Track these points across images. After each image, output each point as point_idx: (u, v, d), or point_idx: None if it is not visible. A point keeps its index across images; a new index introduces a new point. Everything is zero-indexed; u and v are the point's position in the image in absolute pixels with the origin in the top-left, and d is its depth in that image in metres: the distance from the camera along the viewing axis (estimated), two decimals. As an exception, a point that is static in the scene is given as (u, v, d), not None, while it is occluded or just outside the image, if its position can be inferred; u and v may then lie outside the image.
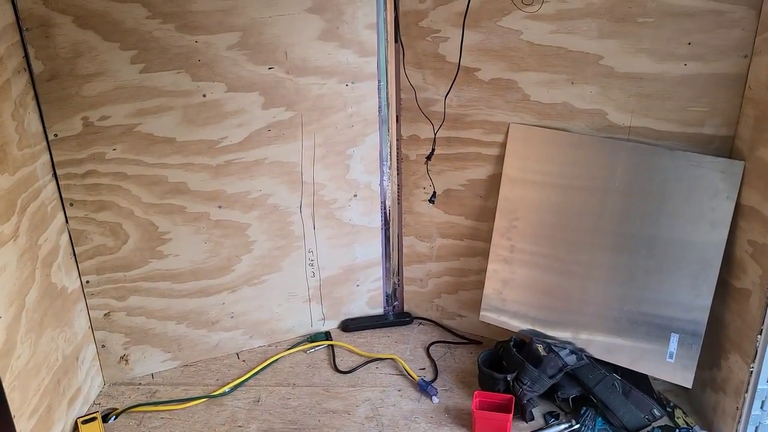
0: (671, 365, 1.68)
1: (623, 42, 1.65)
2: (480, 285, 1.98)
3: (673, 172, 1.64)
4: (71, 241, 1.79)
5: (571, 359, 1.78)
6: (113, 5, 1.62)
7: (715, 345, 1.67)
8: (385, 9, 1.89)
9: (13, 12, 1.53)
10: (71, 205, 1.75)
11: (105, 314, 1.90)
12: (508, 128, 1.86)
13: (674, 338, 1.67)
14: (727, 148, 1.62)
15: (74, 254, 1.81)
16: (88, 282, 1.84)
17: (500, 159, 1.89)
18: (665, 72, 1.62)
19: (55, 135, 1.67)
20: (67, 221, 1.77)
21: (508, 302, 1.92)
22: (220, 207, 1.92)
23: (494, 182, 1.92)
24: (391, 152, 2.07)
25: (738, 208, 1.57)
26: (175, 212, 1.87)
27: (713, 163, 1.59)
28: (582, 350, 1.80)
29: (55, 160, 1.70)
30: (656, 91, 1.65)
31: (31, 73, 1.60)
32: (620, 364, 1.76)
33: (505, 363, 1.85)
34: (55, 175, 1.71)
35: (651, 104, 1.67)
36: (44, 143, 1.67)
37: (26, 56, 1.59)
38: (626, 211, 1.71)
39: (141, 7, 1.65)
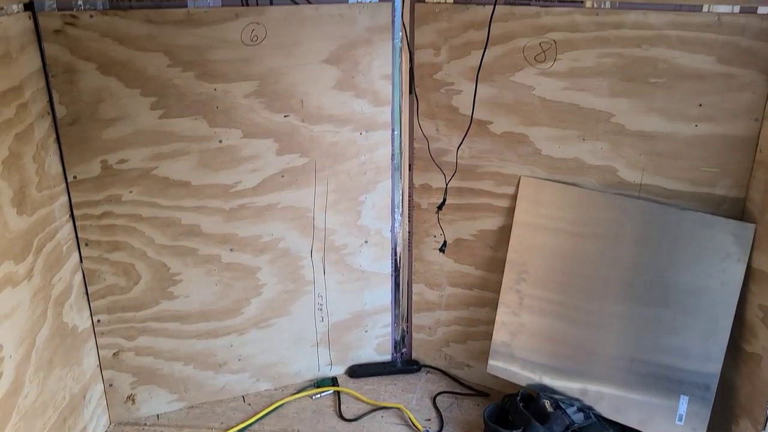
0: (680, 428, 1.65)
1: (634, 101, 1.66)
2: (489, 336, 1.97)
3: (683, 232, 1.63)
4: (84, 280, 1.82)
5: (578, 417, 1.75)
6: (136, 54, 1.67)
7: (725, 409, 1.64)
8: (401, 61, 1.93)
9: (40, 59, 1.59)
10: (86, 245, 1.79)
11: (114, 353, 1.91)
12: (519, 181, 1.87)
13: (684, 400, 1.64)
14: (738, 209, 1.61)
15: (87, 293, 1.83)
16: (98, 321, 1.87)
17: (511, 211, 1.90)
18: (676, 132, 1.63)
19: (74, 177, 1.72)
20: (81, 261, 1.80)
21: (517, 353, 1.90)
22: (231, 250, 1.94)
23: (505, 233, 1.93)
24: (402, 200, 2.09)
25: (749, 271, 1.55)
26: (188, 254, 1.90)
27: (724, 225, 1.58)
28: (590, 408, 1.77)
29: (73, 201, 1.74)
30: (667, 150, 1.66)
31: (54, 116, 1.65)
32: (629, 425, 1.73)
33: (511, 418, 1.82)
34: (72, 215, 1.75)
35: (662, 163, 1.67)
36: (63, 185, 1.71)
37: (50, 101, 1.64)
38: (637, 267, 1.70)
39: (163, 55, 1.70)
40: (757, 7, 1.48)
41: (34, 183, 1.57)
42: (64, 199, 1.72)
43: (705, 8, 1.53)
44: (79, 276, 1.79)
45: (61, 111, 1.65)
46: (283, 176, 1.93)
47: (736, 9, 1.50)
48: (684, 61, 1.58)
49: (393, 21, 1.88)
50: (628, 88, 1.66)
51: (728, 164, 1.60)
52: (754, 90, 1.52)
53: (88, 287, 1.83)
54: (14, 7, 1.50)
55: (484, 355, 1.99)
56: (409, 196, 2.09)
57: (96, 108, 1.68)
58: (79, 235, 1.77)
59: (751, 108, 1.54)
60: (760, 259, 1.52)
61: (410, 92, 1.97)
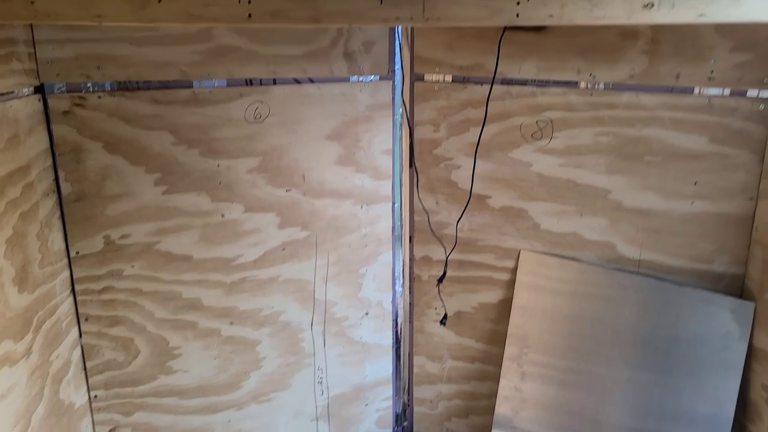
0: None
1: (630, 178, 1.69)
2: (491, 410, 1.94)
3: (683, 309, 1.63)
4: (83, 356, 1.80)
5: (583, 498, 1.71)
6: (142, 132, 1.72)
7: (734, 492, 1.60)
8: (401, 136, 1.98)
9: (48, 139, 1.63)
10: (86, 320, 1.78)
11: (110, 430, 1.88)
12: (519, 255, 1.88)
13: (691, 482, 1.61)
14: (737, 286, 1.62)
15: (85, 369, 1.82)
16: (96, 397, 1.85)
17: (511, 284, 1.91)
18: (673, 209, 1.65)
19: (77, 252, 1.73)
20: (80, 336, 1.79)
21: (519, 427, 1.87)
22: (231, 323, 1.94)
23: (505, 306, 1.93)
24: (403, 272, 2.10)
25: (751, 350, 1.54)
26: (188, 328, 1.89)
27: (723, 302, 1.58)
28: (595, 488, 1.74)
29: (74, 276, 1.74)
30: (664, 227, 1.67)
31: (59, 194, 1.68)
32: (635, 507, 1.69)
33: (514, 498, 1.78)
34: (72, 290, 1.75)
35: (660, 239, 1.69)
36: (65, 260, 1.72)
37: (56, 179, 1.67)
38: (638, 342, 1.69)
39: (169, 134, 1.74)
40: (746, 90, 1.53)
41: (37, 260, 1.58)
42: (66, 274, 1.73)
43: (696, 91, 1.58)
44: (77, 352, 1.78)
45: (66, 188, 1.68)
46: (284, 249, 1.94)
47: (726, 92, 1.54)
48: (677, 140, 1.61)
49: (393, 98, 1.94)
50: (624, 166, 1.69)
51: (726, 241, 1.61)
52: (748, 170, 1.55)
53: (86, 363, 1.81)
54: (25, 90, 1.55)
55: (487, 429, 1.95)
56: (409, 268, 2.10)
57: (101, 185, 1.71)
58: (79, 310, 1.77)
59: (745, 187, 1.56)
60: (761, 337, 1.51)
61: (410, 166, 2.00)
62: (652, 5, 1.23)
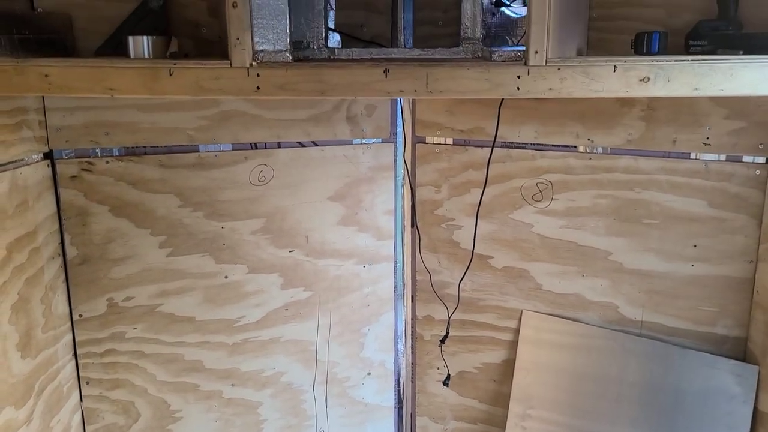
0: None
1: (630, 240, 1.71)
2: (495, 474, 1.91)
3: (687, 372, 1.63)
4: (83, 420, 1.78)
5: None
6: (148, 196, 1.74)
7: None
8: (403, 197, 2.00)
9: (55, 204, 1.65)
10: (87, 383, 1.77)
11: (108, 496, 1.85)
12: (521, 315, 1.88)
13: None
14: (740, 350, 1.62)
15: (84, 433, 1.80)
16: (94, 462, 1.82)
17: (514, 344, 1.90)
18: (673, 271, 1.67)
19: (80, 315, 1.73)
20: (81, 400, 1.78)
21: (524, 496, 1.84)
22: (233, 385, 1.92)
23: (509, 367, 1.92)
24: (405, 331, 2.10)
25: (756, 414, 1.54)
26: (189, 390, 1.88)
27: (727, 366, 1.58)
28: None
29: (76, 339, 1.74)
30: (666, 289, 1.69)
31: (64, 257, 1.69)
32: None
33: None
34: (75, 354, 1.75)
35: (661, 301, 1.70)
36: (68, 324, 1.72)
37: (62, 242, 1.68)
38: (643, 404, 1.68)
39: (174, 197, 1.76)
40: (742, 156, 1.56)
41: (40, 325, 1.58)
42: (68, 338, 1.73)
43: (693, 155, 1.61)
44: (78, 416, 1.77)
45: (71, 252, 1.69)
46: (286, 310, 1.94)
47: (723, 157, 1.58)
48: (676, 204, 1.64)
49: (395, 160, 1.97)
50: (623, 228, 1.71)
51: (727, 304, 1.62)
52: (746, 233, 1.57)
53: (86, 427, 1.79)
54: (35, 156, 1.58)
55: (491, 494, 1.92)
56: (412, 328, 2.10)
57: (106, 248, 1.72)
58: (80, 374, 1.76)
59: (745, 250, 1.58)
60: (766, 401, 1.51)
61: (412, 227, 2.02)
62: (648, 79, 1.27)
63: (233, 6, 1.31)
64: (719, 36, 1.42)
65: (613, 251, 1.74)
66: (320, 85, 1.34)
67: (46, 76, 1.33)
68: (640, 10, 1.61)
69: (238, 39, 1.33)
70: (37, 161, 1.58)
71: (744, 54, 1.31)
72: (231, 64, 1.34)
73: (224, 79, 1.34)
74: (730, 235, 1.59)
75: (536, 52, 1.29)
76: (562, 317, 1.83)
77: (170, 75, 1.34)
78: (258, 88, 1.35)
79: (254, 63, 1.36)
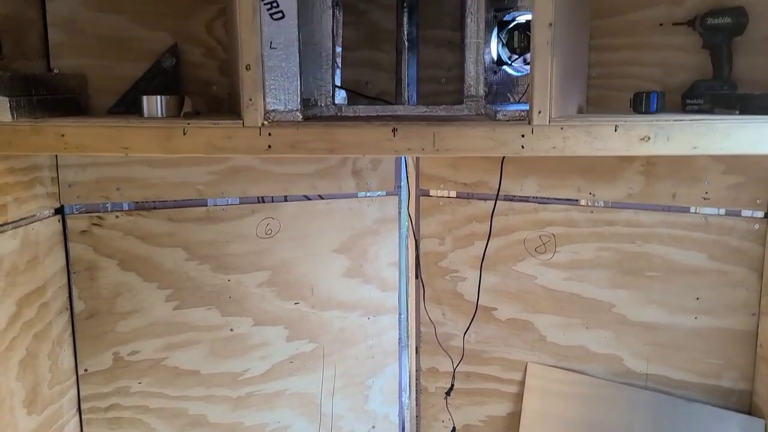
0: None
1: (634, 292, 1.73)
2: None
3: (693, 424, 1.63)
4: (85, 477, 1.76)
5: None
6: (156, 249, 1.76)
7: None
8: (407, 249, 2.02)
9: (65, 258, 1.66)
10: (90, 439, 1.76)
11: None
12: (526, 368, 1.89)
13: None
14: (746, 403, 1.62)
15: (86, 490, 1.77)
16: None
17: (519, 396, 1.90)
18: (677, 323, 1.68)
19: (85, 370, 1.73)
20: (84, 456, 1.76)
21: None
22: (237, 440, 1.91)
23: (514, 420, 1.91)
24: (410, 383, 2.09)
25: (765, 469, 1.53)
26: (192, 445, 1.86)
27: (733, 419, 1.59)
28: None
29: (81, 394, 1.73)
30: (670, 341, 1.70)
31: (71, 311, 1.70)
32: None
33: None
34: (79, 409, 1.73)
35: (666, 353, 1.70)
36: (74, 378, 1.71)
37: (70, 296, 1.69)
38: (651, 461, 1.68)
39: (182, 250, 1.78)
40: (741, 210, 1.60)
41: (47, 380, 1.58)
42: (73, 392, 1.72)
43: (692, 209, 1.65)
44: (80, 473, 1.75)
45: (79, 306, 1.70)
46: (291, 362, 1.94)
47: (722, 211, 1.61)
48: (677, 257, 1.66)
49: (399, 213, 2.00)
50: (626, 281, 1.73)
51: (732, 357, 1.63)
52: (748, 286, 1.59)
53: (88, 484, 1.77)
54: (46, 212, 1.60)
55: None
56: (416, 380, 2.09)
57: (113, 302, 1.73)
58: (84, 429, 1.74)
59: (747, 303, 1.60)
60: (776, 456, 1.50)
61: (416, 278, 2.04)
62: (649, 138, 1.31)
63: (247, 68, 1.36)
64: (715, 95, 1.47)
65: (616, 303, 1.76)
66: (330, 144, 1.37)
67: (63, 135, 1.37)
68: (637, 69, 1.66)
69: (250, 100, 1.37)
70: (49, 216, 1.61)
71: (740, 113, 1.36)
72: (243, 124, 1.38)
73: (237, 138, 1.38)
74: (732, 288, 1.61)
75: (539, 112, 1.33)
76: (567, 369, 1.83)
77: (184, 134, 1.37)
78: (269, 146, 1.38)
79: (266, 122, 1.39)
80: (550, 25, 1.30)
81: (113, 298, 1.73)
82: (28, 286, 1.51)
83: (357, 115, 1.66)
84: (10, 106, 1.30)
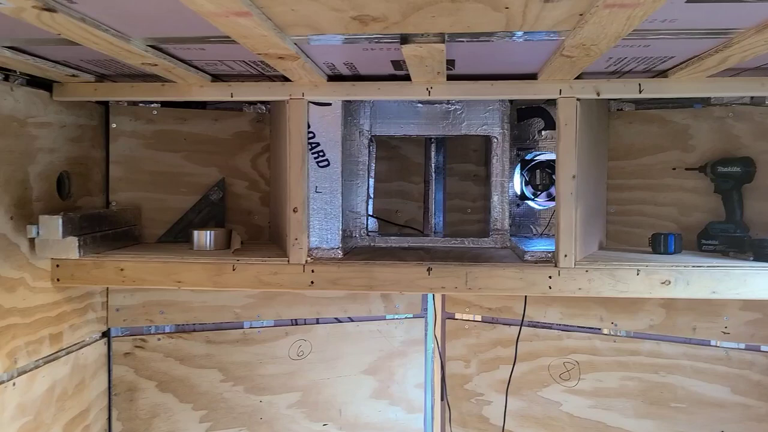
0: None
1: (659, 424, 1.75)
2: None
3: None
4: None
5: None
6: (194, 371, 1.82)
7: None
8: (433, 371, 2.07)
9: (107, 380, 1.73)
10: None
11: None
12: (553, 496, 1.88)
13: None
14: None
15: None
16: None
17: None
18: (704, 456, 1.70)
19: (118, 492, 1.75)
20: None
21: None
22: None
23: None
24: None
25: None
26: None
27: None
28: None
29: None
30: (698, 475, 1.71)
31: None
32: None
33: None
34: None
35: (694, 486, 1.71)
36: (106, 501, 1.74)
37: (109, 417, 1.74)
38: None
39: (218, 372, 1.85)
40: (760, 345, 1.65)
41: (83, 504, 1.60)
42: None
43: (713, 342, 1.70)
44: None
45: (117, 427, 1.75)
46: (318, 486, 1.95)
47: (742, 346, 1.67)
48: (701, 389, 1.71)
49: (426, 335, 2.06)
50: (651, 411, 1.76)
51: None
52: (773, 423, 1.63)
53: None
54: (95, 335, 1.69)
55: None
56: (441, 506, 2.08)
57: (150, 423, 1.78)
58: None
59: (772, 438, 1.62)
60: None
61: (442, 400, 2.07)
62: (669, 283, 1.40)
63: (294, 211, 1.48)
64: (729, 238, 1.57)
65: (642, 435, 1.78)
66: (370, 281, 1.47)
67: (122, 269, 1.48)
68: (653, 208, 1.77)
69: (296, 239, 1.48)
70: (96, 340, 1.69)
71: (754, 258, 1.45)
72: (288, 261, 1.49)
73: (282, 275, 1.48)
74: (757, 422, 1.64)
75: (566, 256, 1.43)
76: (596, 499, 1.83)
77: (233, 270, 1.48)
78: (312, 282, 1.48)
79: (309, 259, 1.50)
80: (574, 177, 1.42)
81: (150, 419, 1.78)
82: (75, 410, 1.57)
83: (390, 245, 1.77)
84: (78, 245, 1.42)
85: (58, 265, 1.48)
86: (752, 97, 1.65)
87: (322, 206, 1.54)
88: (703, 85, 1.41)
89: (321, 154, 1.53)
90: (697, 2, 0.89)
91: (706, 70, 1.30)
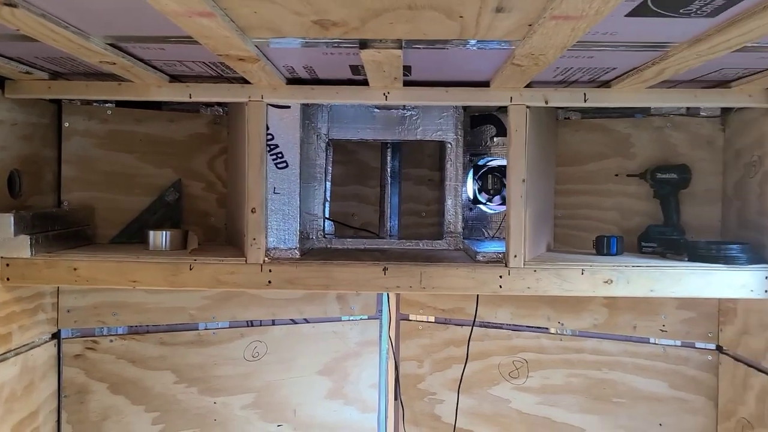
0: None
1: (602, 418, 1.83)
2: None
3: None
4: None
5: None
6: (147, 373, 1.81)
7: None
8: (387, 371, 2.11)
9: (57, 382, 1.71)
10: None
11: None
12: (502, 492, 1.94)
13: None
14: None
15: None
16: None
17: None
18: (644, 449, 1.79)
19: (67, 496, 1.72)
20: None
21: None
22: None
23: None
24: (388, 508, 2.11)
25: None
26: None
27: None
28: None
29: None
30: (638, 469, 1.79)
31: (59, 436, 1.72)
32: None
33: None
34: None
35: (635, 478, 1.79)
36: (55, 506, 1.71)
37: (58, 420, 1.71)
38: None
39: (171, 373, 1.84)
40: (695, 342, 1.75)
41: None
42: None
43: (652, 340, 1.80)
44: None
45: (66, 429, 1.72)
46: (272, 486, 1.96)
47: (678, 343, 1.77)
48: (640, 385, 1.79)
49: (380, 336, 2.10)
50: (595, 406, 1.84)
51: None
52: (705, 414, 1.72)
53: None
54: (44, 337, 1.66)
55: None
56: (394, 504, 2.11)
57: (101, 426, 1.76)
58: None
59: (705, 430, 1.72)
60: None
61: (396, 400, 2.11)
62: (611, 281, 1.47)
63: (252, 211, 1.50)
64: (666, 240, 1.66)
65: (586, 428, 1.85)
66: (327, 281, 1.50)
67: (75, 269, 1.47)
68: (598, 212, 1.86)
69: (254, 239, 1.50)
70: (46, 341, 1.66)
71: (688, 260, 1.54)
72: (246, 261, 1.50)
73: (240, 274, 1.49)
74: (692, 415, 1.74)
75: (515, 256, 1.49)
76: (544, 496, 1.90)
77: (190, 269, 1.49)
78: (269, 282, 1.50)
79: (266, 259, 1.52)
80: (524, 180, 1.49)
81: (101, 421, 1.76)
82: (23, 412, 1.54)
83: (346, 247, 1.80)
84: (30, 244, 1.40)
85: (8, 264, 1.45)
86: (688, 108, 1.76)
87: (281, 207, 1.56)
88: (642, 95, 1.50)
89: (280, 155, 1.55)
90: (635, 16, 0.95)
91: (645, 81, 1.38)
